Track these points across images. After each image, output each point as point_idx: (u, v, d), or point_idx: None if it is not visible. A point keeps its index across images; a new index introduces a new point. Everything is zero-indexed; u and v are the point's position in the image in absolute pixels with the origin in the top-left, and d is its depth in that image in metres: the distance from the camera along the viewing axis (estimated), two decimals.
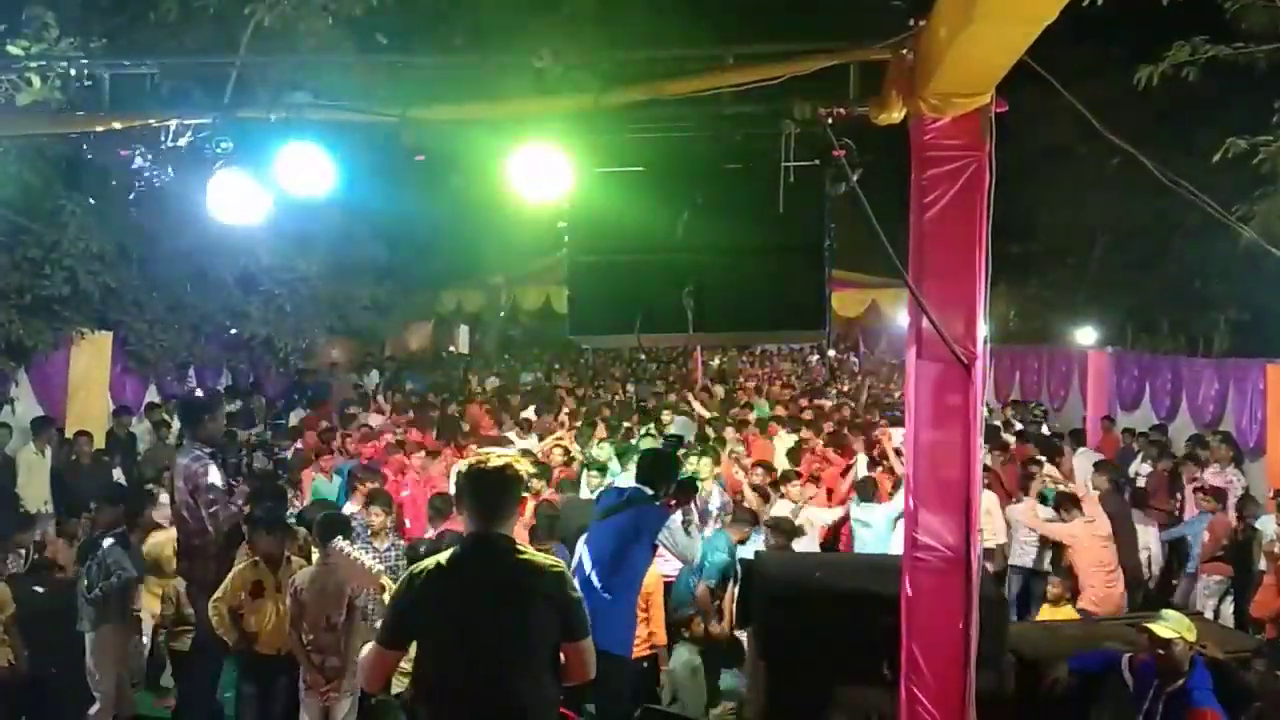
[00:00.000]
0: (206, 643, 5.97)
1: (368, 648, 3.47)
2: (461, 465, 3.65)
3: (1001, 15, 3.18)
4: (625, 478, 9.77)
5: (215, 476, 5.96)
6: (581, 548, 5.57)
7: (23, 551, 7.46)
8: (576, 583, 5.49)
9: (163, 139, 4.63)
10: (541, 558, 3.48)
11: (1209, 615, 8.39)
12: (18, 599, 6.49)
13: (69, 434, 10.10)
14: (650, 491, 5.61)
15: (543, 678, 3.37)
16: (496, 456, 3.60)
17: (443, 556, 3.53)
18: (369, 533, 7.08)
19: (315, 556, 6.10)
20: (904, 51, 3.96)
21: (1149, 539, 9.28)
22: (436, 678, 3.38)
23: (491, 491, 3.47)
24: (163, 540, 6.90)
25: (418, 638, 3.41)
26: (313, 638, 5.73)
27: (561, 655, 3.42)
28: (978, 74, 3.76)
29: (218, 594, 5.78)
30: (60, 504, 9.32)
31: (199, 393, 12.71)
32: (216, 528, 5.90)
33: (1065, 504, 8.50)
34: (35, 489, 9.43)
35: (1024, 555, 9.02)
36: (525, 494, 3.67)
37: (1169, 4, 7.31)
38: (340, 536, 5.60)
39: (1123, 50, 11.34)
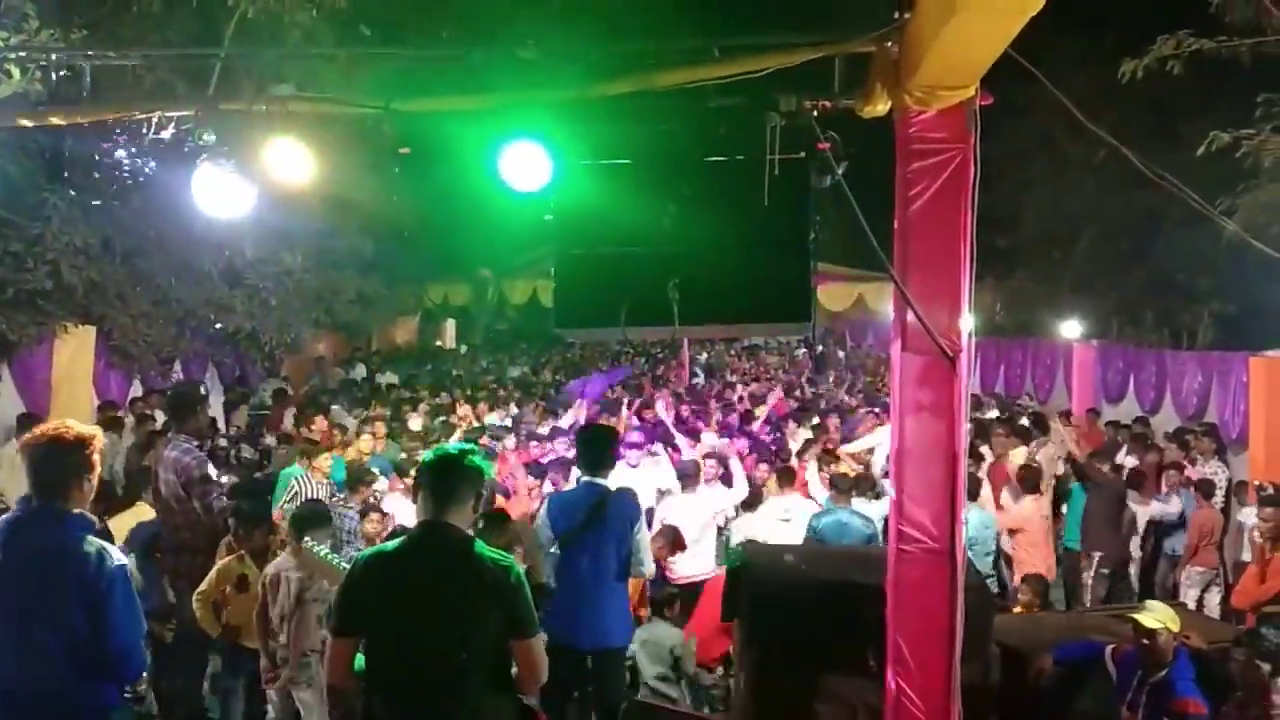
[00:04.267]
0: (191, 636, 5.94)
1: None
2: (425, 454, 3.68)
3: (985, 7, 3.19)
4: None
5: (208, 468, 5.98)
6: (568, 554, 5.53)
7: None
8: (551, 581, 5.58)
9: (145, 131, 4.60)
10: (490, 551, 3.48)
11: (1192, 605, 8.46)
12: None
13: None
14: (604, 481, 5.61)
15: (489, 669, 3.36)
16: (454, 446, 3.64)
17: (391, 543, 3.58)
18: (359, 538, 7.02)
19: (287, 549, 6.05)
20: (889, 44, 3.96)
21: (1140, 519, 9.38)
22: (381, 665, 3.39)
23: (443, 480, 3.47)
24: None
25: (365, 624, 3.41)
26: (273, 627, 5.69)
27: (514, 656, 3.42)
28: (962, 66, 3.77)
29: (203, 587, 5.76)
30: None
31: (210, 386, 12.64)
32: (211, 520, 5.89)
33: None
34: (19, 485, 9.35)
35: None
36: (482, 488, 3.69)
37: None
38: (309, 535, 5.62)
39: (1107, 43, 11.38)
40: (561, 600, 5.45)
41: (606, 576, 5.44)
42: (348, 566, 5.30)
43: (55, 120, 4.68)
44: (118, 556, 3.68)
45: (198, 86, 4.66)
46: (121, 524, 6.72)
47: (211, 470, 6.04)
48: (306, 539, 5.57)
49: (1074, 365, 16.40)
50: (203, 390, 8.50)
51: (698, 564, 7.72)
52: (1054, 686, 5.20)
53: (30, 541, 3.59)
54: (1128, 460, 11.28)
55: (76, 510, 3.68)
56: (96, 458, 3.76)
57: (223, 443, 10.74)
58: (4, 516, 3.67)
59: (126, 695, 3.83)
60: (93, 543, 3.64)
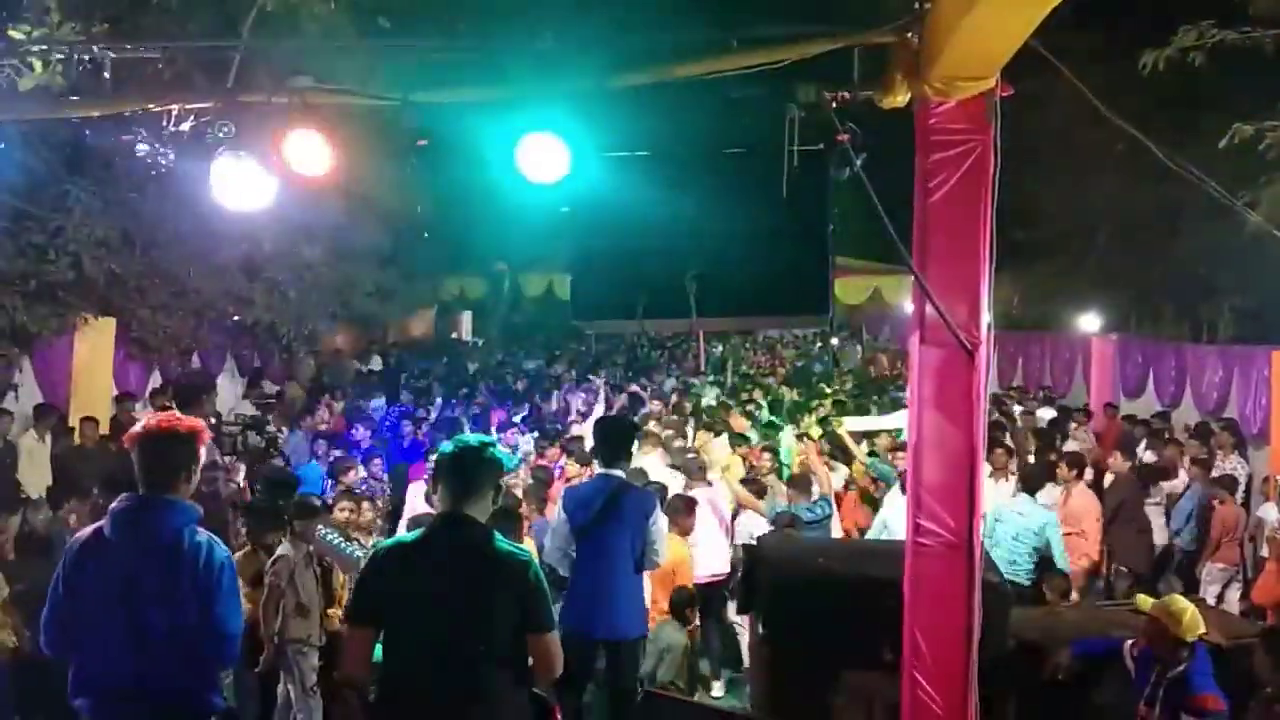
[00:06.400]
0: None
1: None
2: (445, 445, 3.68)
3: None
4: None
5: (214, 454, 6.06)
6: (584, 545, 5.53)
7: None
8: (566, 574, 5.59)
9: (165, 124, 4.62)
10: (507, 545, 3.47)
11: (1213, 602, 8.40)
12: (20, 578, 6.49)
13: (73, 420, 10.12)
14: (620, 474, 5.61)
15: (505, 662, 3.36)
16: (474, 438, 3.63)
17: (409, 534, 3.61)
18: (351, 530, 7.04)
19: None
20: (909, 35, 3.93)
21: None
22: (398, 656, 3.40)
23: (462, 471, 3.46)
24: None
25: (382, 615, 3.42)
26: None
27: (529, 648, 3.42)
28: (983, 58, 3.74)
29: None
30: (63, 489, 9.34)
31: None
32: (218, 506, 5.96)
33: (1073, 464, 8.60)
34: (37, 475, 9.45)
35: None
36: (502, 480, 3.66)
37: None
38: (319, 522, 5.66)
39: (1128, 35, 11.27)
40: (577, 590, 5.47)
41: (622, 567, 5.44)
42: (359, 554, 5.39)
43: (76, 113, 4.71)
44: (224, 547, 3.66)
45: (217, 79, 4.65)
46: None
47: (216, 455, 6.13)
48: (320, 527, 5.63)
49: (1093, 359, 16.30)
50: (214, 378, 8.60)
51: (715, 562, 7.68)
52: (1071, 682, 5.17)
53: (143, 534, 3.52)
54: (1146, 455, 11.21)
55: (184, 501, 3.64)
56: (203, 450, 3.72)
57: (232, 429, 10.88)
58: (113, 507, 3.58)
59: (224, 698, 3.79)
60: (202, 533, 3.61)
